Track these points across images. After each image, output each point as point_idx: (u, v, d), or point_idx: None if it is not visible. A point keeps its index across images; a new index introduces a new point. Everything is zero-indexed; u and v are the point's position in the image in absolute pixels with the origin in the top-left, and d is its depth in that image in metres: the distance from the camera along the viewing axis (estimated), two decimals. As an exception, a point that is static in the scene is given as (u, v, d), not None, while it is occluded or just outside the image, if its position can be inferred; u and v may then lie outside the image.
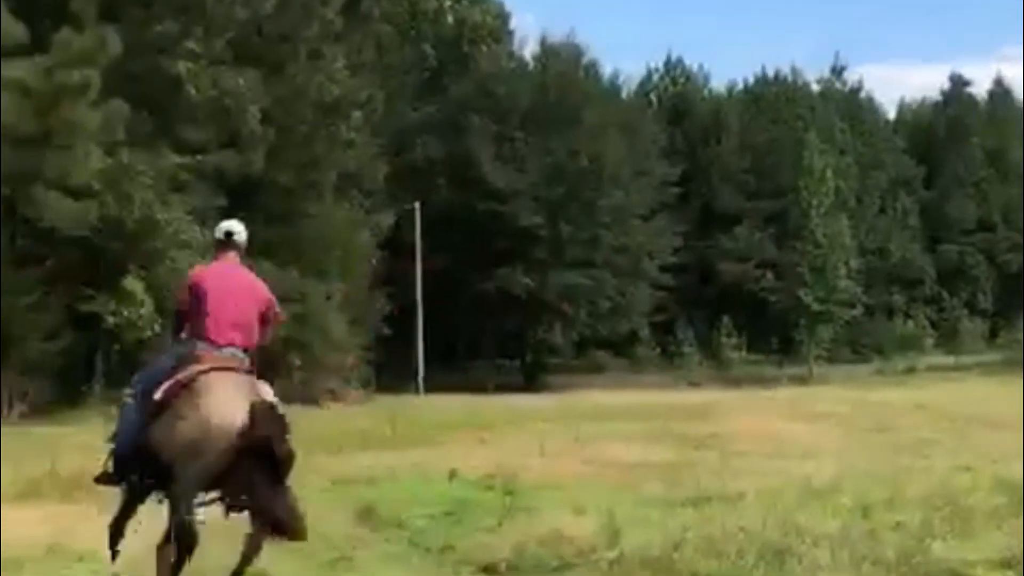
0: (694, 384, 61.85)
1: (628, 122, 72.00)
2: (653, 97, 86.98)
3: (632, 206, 68.50)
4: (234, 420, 7.18)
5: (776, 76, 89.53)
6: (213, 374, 7.55)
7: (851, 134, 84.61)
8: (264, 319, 8.37)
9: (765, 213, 79.99)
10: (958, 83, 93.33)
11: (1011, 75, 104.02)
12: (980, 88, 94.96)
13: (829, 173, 73.70)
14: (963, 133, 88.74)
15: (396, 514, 11.36)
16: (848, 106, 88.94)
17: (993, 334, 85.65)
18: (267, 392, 7.88)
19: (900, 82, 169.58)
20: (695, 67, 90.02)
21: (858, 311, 76.51)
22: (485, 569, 9.27)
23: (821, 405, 27.88)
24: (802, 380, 63.17)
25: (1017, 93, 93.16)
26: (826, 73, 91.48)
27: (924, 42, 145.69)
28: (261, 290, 8.48)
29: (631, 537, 9.34)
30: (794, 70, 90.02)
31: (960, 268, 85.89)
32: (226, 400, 7.32)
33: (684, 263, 74.87)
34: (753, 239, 78.86)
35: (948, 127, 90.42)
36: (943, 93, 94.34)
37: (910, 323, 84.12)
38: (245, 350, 8.06)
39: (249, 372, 7.96)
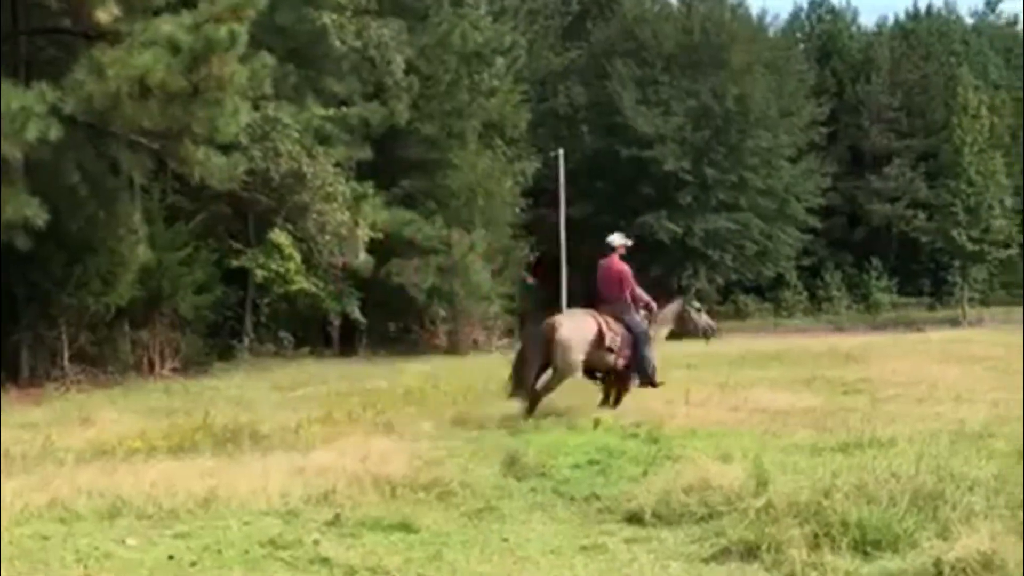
0: (842, 328, 61.03)
1: (775, 62, 71.20)
2: (800, 36, 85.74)
3: (779, 147, 67.76)
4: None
5: (928, 10, 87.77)
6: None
7: (1006, 68, 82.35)
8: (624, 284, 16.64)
9: (916, 152, 78.68)
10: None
11: None
12: None
13: (983, 110, 71.82)
14: None
15: (541, 463, 11.38)
16: (1003, 40, 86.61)
17: None
18: (583, 326, 15.96)
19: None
20: (843, 3, 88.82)
21: (1013, 251, 74.56)
22: (630, 518, 9.26)
23: (975, 348, 27.40)
24: (954, 323, 62.02)
25: None
26: (980, 6, 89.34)
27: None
28: (617, 270, 16.84)
29: (779, 484, 9.24)
30: (947, 4, 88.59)
31: None
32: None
33: (832, 205, 74.14)
34: (904, 179, 77.61)
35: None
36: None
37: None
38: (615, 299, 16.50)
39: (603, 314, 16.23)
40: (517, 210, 51.12)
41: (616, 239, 17.29)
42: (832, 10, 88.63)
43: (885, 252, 77.08)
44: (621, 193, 63.20)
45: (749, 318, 71.41)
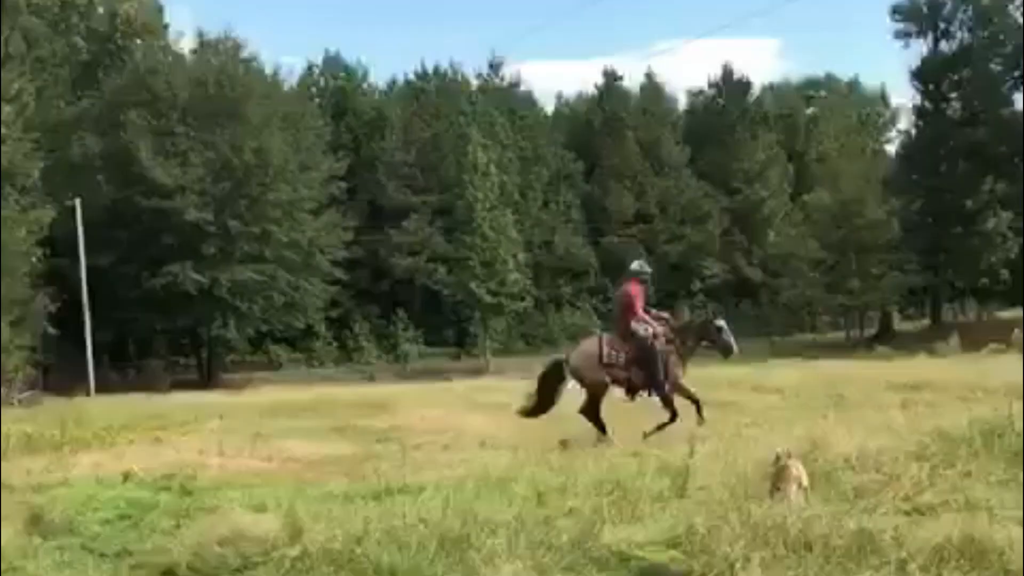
0: (372, 378, 61.91)
1: (291, 116, 71.74)
2: (315, 91, 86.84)
3: (300, 201, 68.31)
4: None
5: (436, 71, 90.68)
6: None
7: (512, 129, 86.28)
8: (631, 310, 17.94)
9: (433, 207, 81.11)
10: (611, 78, 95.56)
11: (661, 70, 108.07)
12: (633, 83, 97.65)
13: (492, 168, 75.12)
14: (618, 127, 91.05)
15: (68, 520, 10.97)
16: (507, 101, 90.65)
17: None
18: (585, 348, 18.32)
19: (557, 77, 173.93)
20: (354, 62, 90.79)
21: (528, 303, 78.17)
22: (164, 572, 9.07)
23: (497, 396, 28.23)
24: (478, 371, 64.13)
25: (666, 87, 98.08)
26: (485, 69, 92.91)
27: (579, 38, 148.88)
28: (624, 295, 18.27)
29: (314, 533, 9.24)
30: (452, 66, 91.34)
31: (622, 259, 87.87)
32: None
33: (356, 257, 75.26)
34: (423, 233, 79.72)
35: (604, 121, 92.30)
36: (598, 88, 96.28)
37: (577, 314, 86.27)
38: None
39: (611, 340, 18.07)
40: (34, 260, 49.17)
41: (634, 266, 18.79)
42: (345, 68, 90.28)
43: (410, 304, 79.02)
44: (144, 243, 62.12)
45: (281, 368, 71.58)
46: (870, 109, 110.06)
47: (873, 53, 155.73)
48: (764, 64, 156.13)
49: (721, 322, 18.82)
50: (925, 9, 77.90)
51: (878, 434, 12.77)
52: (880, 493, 10.22)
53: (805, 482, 10.17)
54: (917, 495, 10.25)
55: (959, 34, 77.96)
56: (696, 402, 17.78)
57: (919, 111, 79.83)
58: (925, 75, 78.00)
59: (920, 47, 78.87)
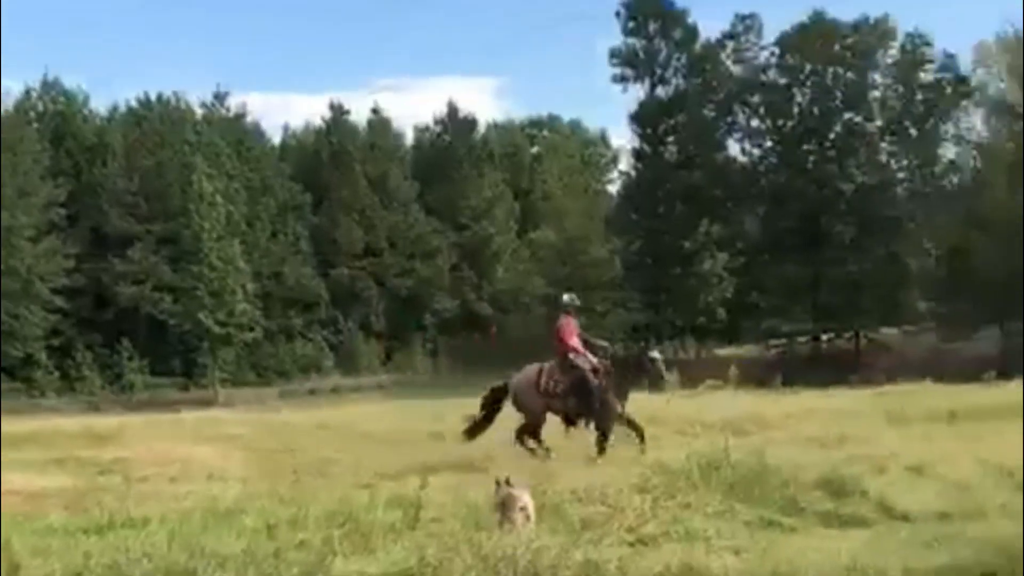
0: (97, 409, 60.21)
1: (8, 141, 69.59)
2: (33, 115, 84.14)
3: (19, 227, 66.32)
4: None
5: (159, 98, 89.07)
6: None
7: (238, 159, 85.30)
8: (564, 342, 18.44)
9: (158, 236, 79.53)
10: (338, 112, 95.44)
11: (387, 106, 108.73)
12: (360, 118, 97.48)
13: (219, 198, 74.51)
14: (346, 160, 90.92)
15: None
16: (233, 131, 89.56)
17: (388, 355, 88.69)
18: (524, 375, 18.67)
19: (284, 109, 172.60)
20: (76, 86, 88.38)
21: (258, 334, 77.49)
22: None
23: (226, 427, 27.92)
24: (207, 403, 63.01)
25: (393, 123, 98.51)
26: (210, 98, 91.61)
27: (305, 72, 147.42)
28: (558, 327, 18.63)
29: (31, 568, 9.04)
30: (176, 94, 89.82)
31: (352, 291, 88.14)
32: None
33: (78, 286, 73.29)
34: (148, 262, 78.05)
35: (332, 154, 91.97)
36: (325, 121, 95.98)
37: (309, 345, 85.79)
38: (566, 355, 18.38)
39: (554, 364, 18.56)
40: None
41: (565, 298, 19.46)
42: (64, 92, 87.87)
43: (135, 333, 77.19)
44: None
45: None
46: (592, 150, 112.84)
47: (595, 95, 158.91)
48: (485, 103, 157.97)
49: (655, 354, 19.54)
50: (642, 55, 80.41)
51: (603, 467, 13.20)
52: (605, 524, 10.62)
53: (532, 514, 10.43)
54: (640, 526, 10.70)
55: (674, 80, 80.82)
56: (639, 431, 18.14)
57: (638, 154, 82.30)
58: (643, 119, 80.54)
59: (638, 91, 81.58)
